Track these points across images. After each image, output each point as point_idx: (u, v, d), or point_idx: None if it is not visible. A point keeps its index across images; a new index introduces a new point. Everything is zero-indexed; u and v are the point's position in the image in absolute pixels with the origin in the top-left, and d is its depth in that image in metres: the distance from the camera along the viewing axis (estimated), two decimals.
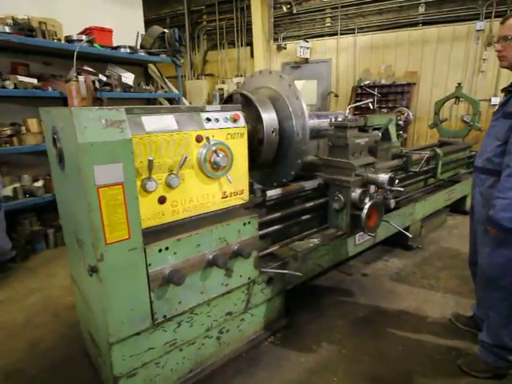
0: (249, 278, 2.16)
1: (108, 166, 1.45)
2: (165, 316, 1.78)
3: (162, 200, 1.78)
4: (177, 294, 1.80)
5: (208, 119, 1.93)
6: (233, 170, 2.02)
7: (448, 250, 3.90)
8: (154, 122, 1.75)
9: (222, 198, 2.05)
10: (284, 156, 2.52)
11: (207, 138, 1.87)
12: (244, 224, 2.05)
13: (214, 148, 1.88)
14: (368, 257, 3.72)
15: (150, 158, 1.65)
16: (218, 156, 1.90)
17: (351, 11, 8.07)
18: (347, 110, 2.73)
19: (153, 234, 1.74)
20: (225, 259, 1.89)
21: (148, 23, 6.69)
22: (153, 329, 1.79)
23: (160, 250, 1.70)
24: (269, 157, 2.48)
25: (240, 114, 2.07)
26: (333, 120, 2.73)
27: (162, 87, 6.27)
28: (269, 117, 2.38)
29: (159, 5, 10.56)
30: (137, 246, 1.59)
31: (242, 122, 2.07)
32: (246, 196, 2.18)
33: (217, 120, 1.96)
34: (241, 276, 2.10)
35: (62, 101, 3.93)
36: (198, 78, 10.29)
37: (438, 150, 4.04)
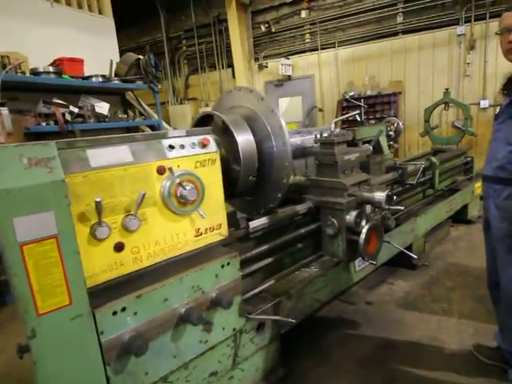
0: (234, 329, 1.82)
1: (33, 217, 1.13)
2: None
3: (119, 247, 1.47)
4: (142, 364, 1.45)
5: (171, 146, 1.66)
6: (206, 203, 1.73)
7: (456, 265, 3.58)
8: (102, 156, 1.46)
9: (196, 236, 1.75)
10: (266, 180, 2.22)
11: (170, 169, 1.58)
12: (222, 266, 1.74)
13: (178, 180, 1.60)
14: (371, 281, 3.39)
15: (97, 200, 1.35)
16: (185, 189, 1.60)
17: (330, 26, 7.99)
18: (332, 124, 2.47)
19: (109, 291, 1.43)
20: (200, 313, 1.56)
21: (128, 52, 6.52)
22: None
23: (115, 313, 1.37)
24: (249, 182, 2.19)
25: (210, 137, 1.80)
26: (318, 136, 2.47)
27: (142, 114, 6.05)
28: (244, 138, 2.10)
29: (138, 33, 10.52)
30: (81, 312, 1.26)
31: (212, 146, 1.79)
32: (224, 231, 1.87)
33: (182, 146, 1.69)
34: (223, 328, 1.76)
35: (27, 136, 3.64)
36: (181, 103, 10.11)
37: (434, 159, 3.79)
